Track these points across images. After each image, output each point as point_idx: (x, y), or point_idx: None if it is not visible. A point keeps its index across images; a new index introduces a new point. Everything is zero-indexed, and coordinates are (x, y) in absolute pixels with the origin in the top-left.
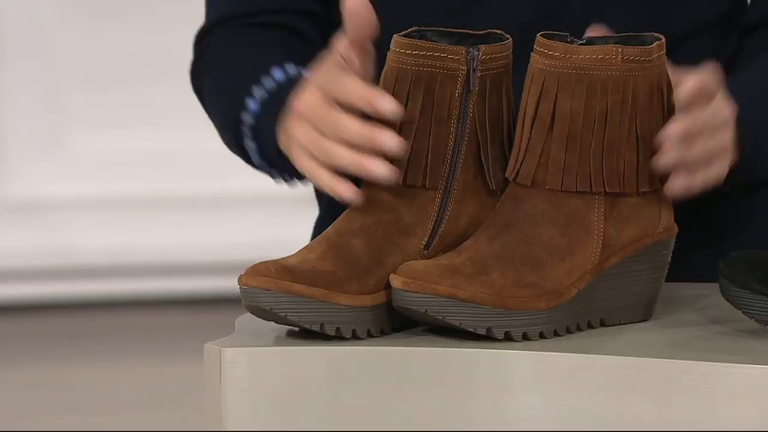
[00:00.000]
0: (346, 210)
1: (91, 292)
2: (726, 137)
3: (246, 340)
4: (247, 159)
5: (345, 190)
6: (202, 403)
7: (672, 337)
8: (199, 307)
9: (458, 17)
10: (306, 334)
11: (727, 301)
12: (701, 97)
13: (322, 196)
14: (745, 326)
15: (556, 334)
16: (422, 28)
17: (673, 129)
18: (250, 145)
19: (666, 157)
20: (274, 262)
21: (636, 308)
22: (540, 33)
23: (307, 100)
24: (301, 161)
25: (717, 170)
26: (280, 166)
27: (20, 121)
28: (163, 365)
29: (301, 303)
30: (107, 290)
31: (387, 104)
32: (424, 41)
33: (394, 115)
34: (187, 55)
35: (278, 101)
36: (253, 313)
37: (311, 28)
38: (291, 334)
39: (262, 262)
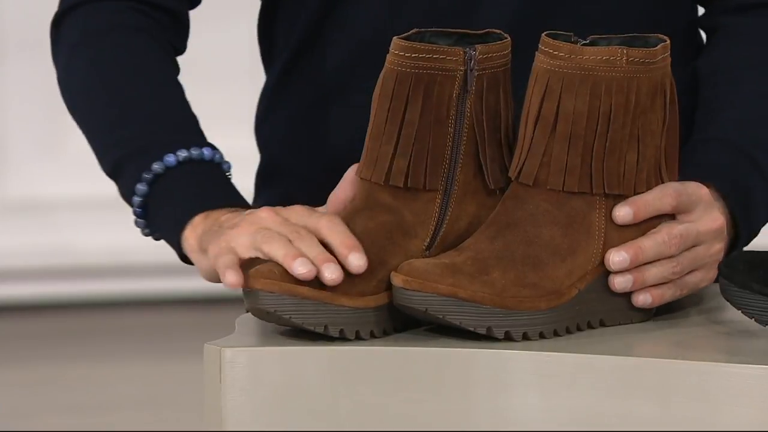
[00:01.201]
0: (347, 212)
1: (91, 291)
2: (711, 251)
3: (246, 340)
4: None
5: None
6: (202, 403)
7: (672, 337)
8: (199, 307)
9: (450, 18)
10: (305, 335)
11: (727, 300)
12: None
13: (270, 188)
14: (744, 326)
15: (556, 334)
16: (422, 30)
17: (611, 258)
18: (139, 221)
19: (616, 282)
20: (277, 264)
21: (636, 309)
22: (545, 33)
23: (265, 217)
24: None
25: (695, 283)
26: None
27: (20, 121)
28: (162, 365)
29: (305, 305)
30: (107, 290)
31: (356, 262)
32: (422, 44)
33: (359, 271)
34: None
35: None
36: (256, 316)
37: (169, 23)
38: (290, 335)
39: (264, 265)
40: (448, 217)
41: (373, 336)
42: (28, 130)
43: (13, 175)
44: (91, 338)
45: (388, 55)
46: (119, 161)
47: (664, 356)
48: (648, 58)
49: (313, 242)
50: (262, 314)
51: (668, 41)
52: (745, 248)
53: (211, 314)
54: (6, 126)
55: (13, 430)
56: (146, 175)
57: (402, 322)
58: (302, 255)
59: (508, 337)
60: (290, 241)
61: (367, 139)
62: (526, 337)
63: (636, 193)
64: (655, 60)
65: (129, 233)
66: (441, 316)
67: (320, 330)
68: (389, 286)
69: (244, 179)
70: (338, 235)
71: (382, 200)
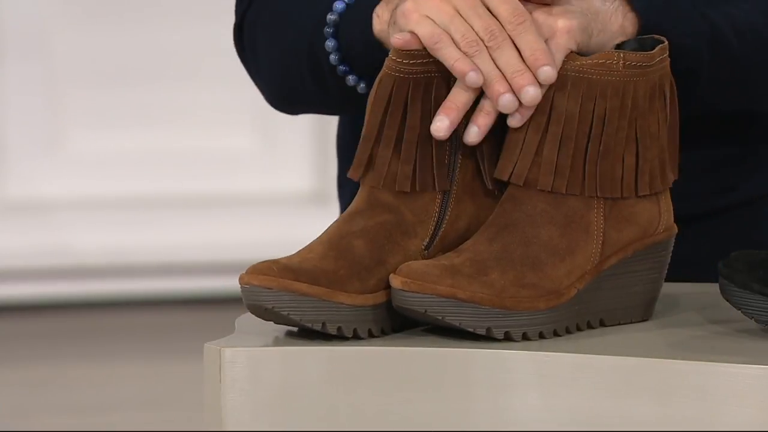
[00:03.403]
0: (346, 211)
1: (91, 291)
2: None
3: (245, 340)
4: (319, 77)
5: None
6: (202, 403)
7: (671, 337)
8: (198, 307)
9: None
10: (305, 334)
11: (727, 301)
12: None
13: (344, 191)
14: (744, 326)
15: (555, 334)
16: None
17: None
18: (330, 44)
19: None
20: (275, 261)
21: (636, 308)
22: None
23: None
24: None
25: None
26: (362, 61)
27: (20, 120)
28: (162, 365)
29: (303, 302)
30: (107, 290)
31: (548, 75)
32: (419, 49)
33: (534, 100)
34: (185, 55)
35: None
36: (254, 313)
37: None
38: (290, 334)
39: (262, 261)
40: (447, 217)
41: (371, 335)
42: (27, 130)
43: (13, 175)
44: (90, 338)
45: (386, 60)
46: (303, 61)
47: (663, 356)
48: (645, 62)
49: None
50: (259, 311)
51: (666, 42)
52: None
53: (210, 314)
54: (6, 125)
55: (13, 430)
56: (330, 35)
57: (400, 322)
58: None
59: (508, 338)
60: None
61: (360, 141)
62: (525, 338)
63: (638, 196)
64: (652, 63)
65: (129, 233)
66: (440, 318)
67: (318, 327)
68: (388, 285)
69: (243, 179)
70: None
71: (383, 199)
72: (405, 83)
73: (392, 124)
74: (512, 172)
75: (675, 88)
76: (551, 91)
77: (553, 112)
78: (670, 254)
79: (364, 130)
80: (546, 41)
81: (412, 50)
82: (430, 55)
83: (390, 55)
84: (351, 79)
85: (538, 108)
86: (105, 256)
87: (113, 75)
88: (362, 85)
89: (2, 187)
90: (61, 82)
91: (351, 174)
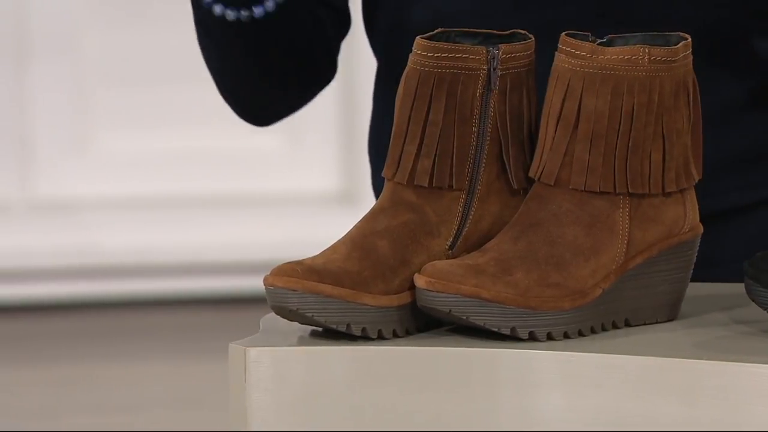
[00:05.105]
0: (370, 211)
1: (117, 291)
2: None
3: (270, 340)
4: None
5: None
6: (227, 402)
7: (697, 337)
8: (223, 306)
9: (487, 19)
10: (330, 334)
11: (753, 301)
12: None
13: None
14: None
15: (580, 334)
16: (447, 29)
17: None
18: None
19: None
20: (300, 262)
21: (661, 308)
22: (564, 32)
23: None
24: None
25: None
26: None
27: (47, 120)
28: (187, 365)
29: (328, 303)
30: (133, 290)
31: None
32: (445, 43)
33: None
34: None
35: None
36: (278, 314)
37: (329, 18)
38: (315, 334)
39: (287, 263)
40: (471, 217)
41: (395, 335)
42: (54, 130)
43: (41, 175)
44: (117, 338)
45: (410, 55)
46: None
47: (689, 356)
48: (670, 57)
49: None
50: (284, 312)
51: (689, 39)
52: None
53: (235, 314)
54: (34, 125)
55: (40, 430)
56: None
57: (425, 322)
58: None
59: (533, 338)
60: None
61: (391, 138)
62: (550, 337)
63: (663, 192)
64: (677, 58)
65: (155, 233)
66: (465, 317)
67: (342, 329)
68: (412, 286)
69: (269, 178)
70: None
71: (406, 198)
72: (430, 77)
73: (417, 119)
74: (542, 171)
75: (697, 85)
76: (579, 90)
77: (582, 110)
78: (696, 254)
79: (393, 127)
80: None
81: (437, 44)
82: (455, 50)
83: (414, 49)
84: (217, 8)
85: (567, 106)
86: (132, 255)
87: (141, 75)
88: (228, 11)
89: (30, 187)
90: (89, 83)
91: (385, 172)
